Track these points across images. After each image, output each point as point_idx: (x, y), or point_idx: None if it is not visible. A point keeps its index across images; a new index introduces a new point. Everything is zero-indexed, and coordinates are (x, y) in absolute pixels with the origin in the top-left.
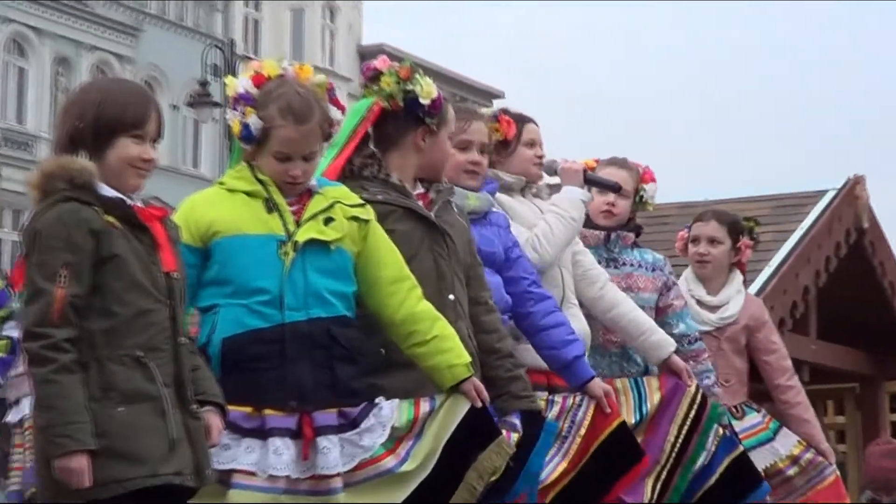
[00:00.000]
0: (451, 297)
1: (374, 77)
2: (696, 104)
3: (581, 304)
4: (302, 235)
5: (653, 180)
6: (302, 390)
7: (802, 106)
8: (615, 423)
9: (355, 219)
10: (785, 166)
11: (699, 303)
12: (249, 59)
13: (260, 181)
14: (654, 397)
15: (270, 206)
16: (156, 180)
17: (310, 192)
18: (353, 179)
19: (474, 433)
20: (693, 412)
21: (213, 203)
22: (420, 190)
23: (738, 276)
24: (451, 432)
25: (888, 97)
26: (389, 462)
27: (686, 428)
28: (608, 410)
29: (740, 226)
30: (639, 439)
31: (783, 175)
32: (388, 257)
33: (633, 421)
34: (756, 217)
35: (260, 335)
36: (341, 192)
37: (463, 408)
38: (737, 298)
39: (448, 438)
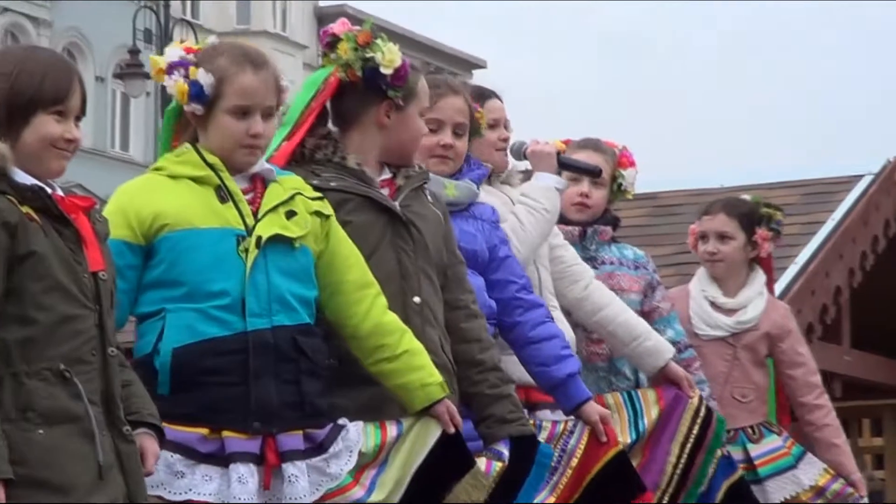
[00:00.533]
0: (417, 300)
1: (331, 44)
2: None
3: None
4: (264, 230)
5: (631, 164)
6: (266, 409)
7: (835, 77)
8: (612, 452)
9: (317, 214)
10: (815, 146)
11: (713, 305)
12: (188, 23)
13: (209, 165)
14: (651, 412)
15: (223, 195)
16: (78, 165)
17: (263, 180)
18: (303, 164)
19: (447, 462)
20: (697, 428)
21: (156, 192)
22: (386, 175)
23: (759, 276)
24: (421, 460)
25: None
26: (357, 493)
27: (689, 446)
28: (604, 438)
29: (755, 216)
30: (636, 461)
31: (812, 157)
32: (353, 259)
33: (628, 441)
34: (778, 205)
35: (219, 345)
36: (298, 181)
37: (434, 433)
38: (757, 301)
39: (418, 468)
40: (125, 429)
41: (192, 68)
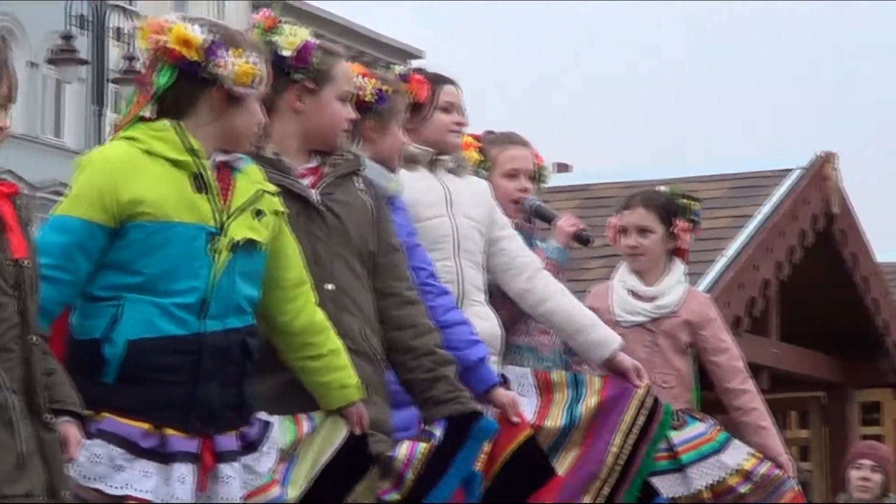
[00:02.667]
0: (330, 286)
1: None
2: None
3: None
4: (238, 232)
5: (541, 158)
6: (209, 411)
7: (767, 74)
8: (522, 436)
9: (277, 213)
10: (743, 140)
11: (633, 294)
12: (122, 9)
13: (190, 149)
14: (590, 400)
15: (200, 184)
16: (10, 151)
17: (230, 169)
18: None
19: (350, 463)
20: (642, 419)
21: (134, 172)
22: (313, 163)
23: (678, 266)
24: (327, 458)
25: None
26: (275, 491)
27: (633, 436)
28: (514, 420)
29: (673, 207)
30: (574, 453)
31: (741, 151)
32: (294, 257)
33: (559, 424)
34: (697, 196)
35: (174, 344)
36: (258, 173)
37: (342, 433)
38: (676, 289)
39: (325, 464)
40: (47, 417)
41: (235, 49)
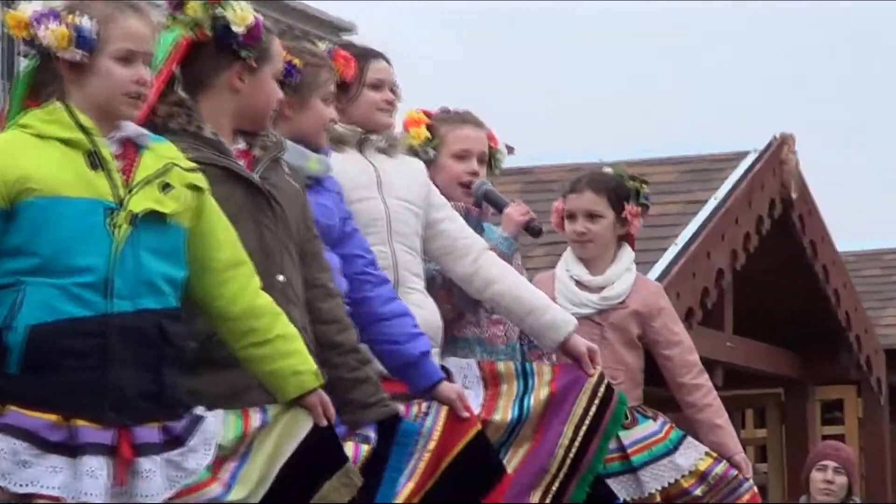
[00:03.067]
0: (281, 278)
1: (179, 4)
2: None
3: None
4: (138, 205)
5: (496, 140)
6: (122, 399)
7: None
8: (472, 433)
9: (192, 187)
10: (696, 122)
11: (578, 284)
12: None
13: (81, 127)
14: (540, 392)
15: (95, 162)
16: None
17: (135, 146)
18: (156, 135)
19: (317, 458)
20: (594, 409)
21: (23, 151)
22: (241, 145)
23: (627, 252)
24: (288, 455)
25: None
26: (215, 489)
27: (585, 427)
28: (464, 415)
29: (623, 191)
30: (524, 448)
31: (693, 132)
32: (225, 235)
33: (508, 417)
34: (644, 179)
35: (78, 326)
36: (172, 150)
37: (304, 426)
38: (625, 277)
39: (284, 463)
40: None
41: (67, 15)
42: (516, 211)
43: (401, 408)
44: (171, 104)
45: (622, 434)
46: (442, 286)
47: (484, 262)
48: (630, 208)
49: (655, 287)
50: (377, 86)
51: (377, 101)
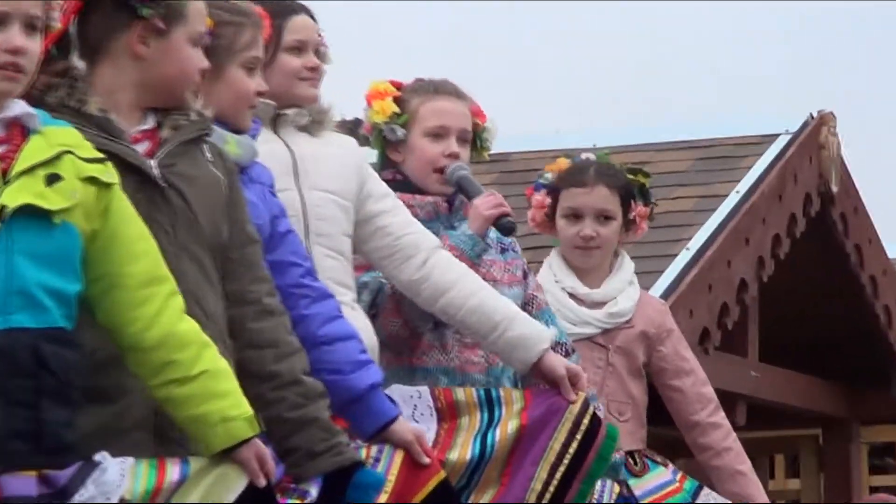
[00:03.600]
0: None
1: None
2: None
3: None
4: (12, 198)
5: (484, 115)
6: None
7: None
8: (434, 481)
9: (93, 181)
10: (714, 97)
11: (573, 298)
12: None
13: None
14: (508, 425)
15: None
16: None
17: (23, 130)
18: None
19: None
20: (575, 444)
21: None
22: (149, 125)
23: (627, 261)
24: None
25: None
26: None
27: (564, 467)
28: (424, 461)
29: (630, 186)
30: (491, 492)
31: (711, 111)
32: (142, 245)
33: (468, 457)
34: (645, 171)
35: None
36: (71, 136)
37: (235, 486)
38: (629, 291)
39: None
40: None
41: None
42: (485, 203)
43: (361, 454)
44: (52, 74)
45: (633, 483)
46: (392, 296)
47: (435, 265)
48: (639, 209)
49: (661, 304)
50: (297, 48)
51: (297, 67)
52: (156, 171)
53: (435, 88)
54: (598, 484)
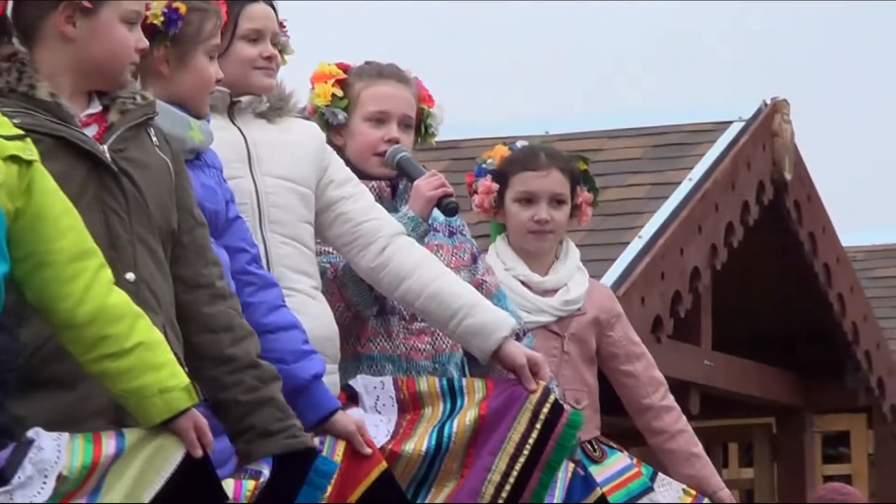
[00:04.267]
0: (131, 276)
1: None
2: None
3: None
4: None
5: (432, 100)
6: None
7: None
8: (375, 473)
9: (15, 159)
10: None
11: (524, 285)
12: None
13: None
14: (467, 416)
15: None
16: None
17: None
18: None
19: (189, 495)
20: (535, 434)
21: None
22: (95, 109)
23: (572, 247)
24: (154, 492)
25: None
26: None
27: (524, 458)
28: (365, 451)
29: (576, 172)
30: (448, 487)
31: (664, 98)
32: (67, 220)
33: (423, 447)
34: (582, 156)
35: None
36: None
37: (173, 457)
38: (578, 277)
39: (149, 501)
40: None
41: None
42: (427, 184)
43: (316, 441)
44: (1, 58)
45: (594, 469)
46: (333, 280)
47: (394, 252)
48: (583, 195)
49: (607, 290)
50: (253, 38)
51: (252, 56)
52: (108, 157)
53: (378, 72)
54: None
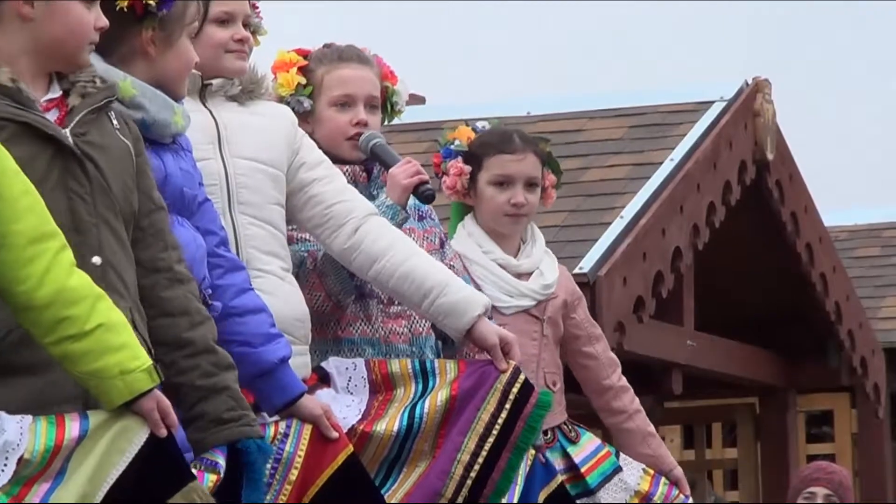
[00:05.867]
0: (97, 260)
1: None
2: None
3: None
4: None
5: (395, 76)
6: None
7: None
8: (341, 457)
9: None
10: (648, 64)
11: (502, 269)
12: None
13: None
14: (438, 396)
15: None
16: None
17: None
18: None
19: (155, 478)
20: (505, 414)
21: None
22: (55, 94)
23: (537, 230)
24: (118, 473)
25: None
26: None
27: (493, 437)
28: (333, 435)
29: (543, 155)
30: (419, 468)
31: (644, 78)
32: (26, 201)
33: (395, 428)
34: (544, 137)
35: None
36: None
37: (137, 437)
38: (548, 261)
39: (112, 485)
40: None
41: None
42: (402, 171)
43: (270, 430)
44: None
45: (571, 450)
46: (313, 270)
47: (367, 233)
48: (549, 177)
49: (566, 270)
50: (224, 20)
51: (223, 39)
52: (70, 141)
53: (339, 56)
54: None
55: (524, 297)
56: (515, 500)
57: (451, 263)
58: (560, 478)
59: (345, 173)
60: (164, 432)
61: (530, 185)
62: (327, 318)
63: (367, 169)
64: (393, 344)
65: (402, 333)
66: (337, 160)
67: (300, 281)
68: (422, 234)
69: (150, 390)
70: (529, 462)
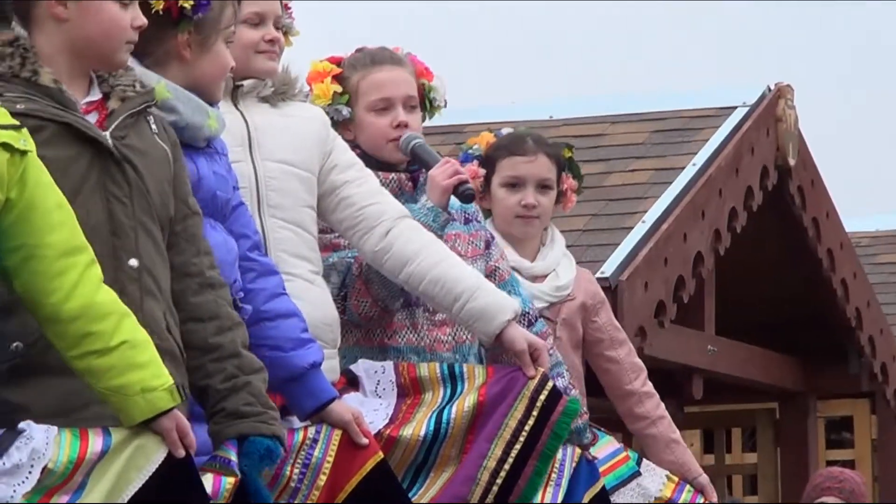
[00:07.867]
0: (134, 262)
1: None
2: None
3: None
4: None
5: (430, 73)
6: None
7: None
8: (371, 463)
9: (6, 147)
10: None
11: (516, 271)
12: None
13: None
14: (465, 401)
15: None
16: None
17: None
18: None
19: (170, 496)
20: (531, 421)
21: None
22: (95, 96)
23: (557, 233)
24: (134, 490)
25: None
26: None
27: (519, 444)
28: (363, 441)
29: (562, 158)
30: (446, 473)
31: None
32: (59, 214)
33: (421, 433)
34: (567, 143)
35: None
36: None
37: (155, 456)
38: (565, 263)
39: (129, 500)
40: None
41: None
42: (441, 172)
43: (299, 435)
44: (2, 44)
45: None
46: (359, 276)
47: (398, 236)
48: (569, 182)
49: (590, 274)
50: (255, 21)
51: (254, 40)
52: (110, 143)
53: (372, 59)
54: (559, 451)
55: (536, 299)
56: (560, 501)
57: (497, 264)
58: (603, 480)
59: (390, 182)
60: (181, 452)
61: (542, 186)
62: (375, 325)
63: (413, 178)
64: (437, 352)
65: (447, 342)
66: (383, 164)
67: (347, 288)
68: (467, 238)
69: (171, 410)
70: (576, 461)
